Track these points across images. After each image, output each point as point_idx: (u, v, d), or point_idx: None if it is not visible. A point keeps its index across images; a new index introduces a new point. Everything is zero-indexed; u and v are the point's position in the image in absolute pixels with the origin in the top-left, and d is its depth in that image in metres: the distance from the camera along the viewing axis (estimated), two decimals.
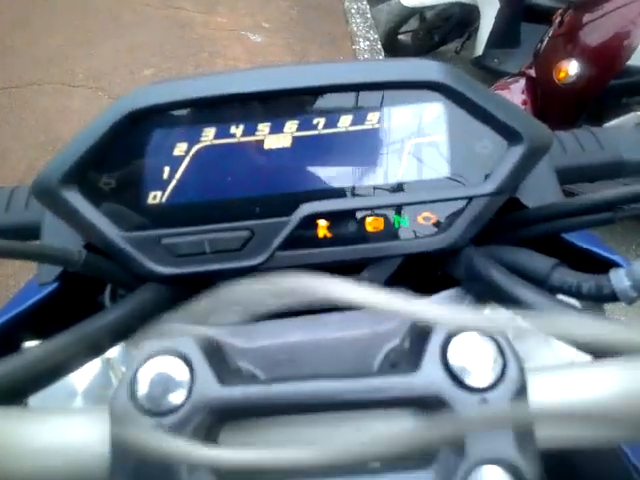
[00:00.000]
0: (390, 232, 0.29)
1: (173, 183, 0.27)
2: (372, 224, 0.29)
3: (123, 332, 0.26)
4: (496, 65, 2.45)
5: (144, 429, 0.18)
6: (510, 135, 0.28)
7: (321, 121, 0.28)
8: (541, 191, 0.32)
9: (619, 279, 0.23)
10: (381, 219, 0.29)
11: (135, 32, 2.67)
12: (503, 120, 0.27)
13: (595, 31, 1.60)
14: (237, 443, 0.18)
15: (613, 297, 0.23)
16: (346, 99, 0.28)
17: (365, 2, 2.90)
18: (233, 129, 0.27)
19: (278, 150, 0.28)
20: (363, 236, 0.29)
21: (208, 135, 0.27)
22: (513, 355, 0.18)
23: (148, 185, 0.28)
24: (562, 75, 1.63)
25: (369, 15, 2.81)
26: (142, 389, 0.19)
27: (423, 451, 0.18)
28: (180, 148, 0.27)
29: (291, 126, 0.27)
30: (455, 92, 0.27)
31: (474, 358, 0.18)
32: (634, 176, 0.35)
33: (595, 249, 0.31)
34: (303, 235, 0.29)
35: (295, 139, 0.28)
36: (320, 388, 0.18)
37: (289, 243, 0.28)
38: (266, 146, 0.28)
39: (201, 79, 0.27)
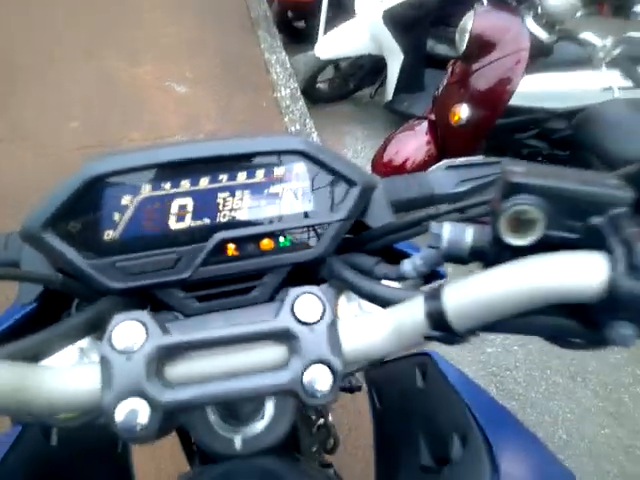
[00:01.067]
0: (279, 249, 0.41)
1: (122, 224, 0.38)
2: (266, 244, 0.40)
3: (88, 329, 0.37)
4: (405, 108, 2.69)
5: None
6: (349, 181, 0.41)
7: (225, 177, 0.39)
8: (380, 216, 0.44)
9: (406, 266, 0.35)
10: (272, 240, 0.41)
11: (61, 84, 2.70)
12: (344, 172, 0.41)
13: (481, 79, 1.85)
14: (180, 371, 0.29)
15: (408, 278, 0.36)
16: (242, 161, 0.40)
17: (284, 54, 3.11)
18: (163, 184, 0.38)
19: (196, 197, 0.39)
20: (260, 253, 0.41)
21: (146, 189, 0.38)
22: (330, 307, 0.30)
23: (104, 226, 0.38)
24: (456, 118, 1.85)
25: (288, 65, 3.00)
26: (117, 341, 0.28)
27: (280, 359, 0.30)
28: (126, 199, 0.38)
29: (204, 181, 0.39)
30: (311, 156, 0.40)
31: (308, 308, 0.30)
32: (443, 203, 0.48)
33: (412, 252, 0.44)
34: (217, 254, 0.40)
35: (208, 189, 0.39)
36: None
37: (207, 261, 0.39)
38: (188, 195, 0.39)
39: (140, 152, 0.38)
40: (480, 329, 0.28)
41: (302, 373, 0.28)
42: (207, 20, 3.41)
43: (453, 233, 0.30)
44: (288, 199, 0.40)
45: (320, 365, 0.28)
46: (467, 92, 1.87)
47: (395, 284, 0.39)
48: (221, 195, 0.39)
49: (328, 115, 3.00)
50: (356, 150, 2.81)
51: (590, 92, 1.90)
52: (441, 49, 2.83)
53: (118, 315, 0.29)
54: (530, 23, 1.81)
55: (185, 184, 0.38)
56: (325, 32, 2.83)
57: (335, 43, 2.56)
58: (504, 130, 2.03)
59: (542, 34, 1.80)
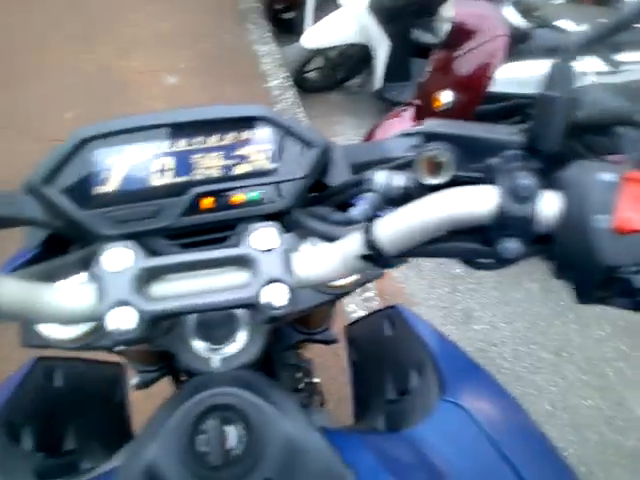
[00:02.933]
0: (249, 202, 0.46)
1: (110, 180, 0.44)
2: (237, 198, 0.45)
3: (83, 265, 0.43)
4: (394, 97, 2.75)
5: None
6: (308, 143, 0.46)
7: (199, 139, 0.45)
8: (339, 176, 0.48)
9: (354, 211, 0.40)
10: (243, 195, 0.46)
11: (58, 75, 2.76)
12: (302, 135, 0.46)
13: (461, 65, 1.91)
14: (161, 288, 0.37)
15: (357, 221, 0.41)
16: (214, 126, 0.45)
17: (274, 45, 3.16)
18: (146, 146, 0.44)
19: (175, 156, 0.44)
20: (232, 206, 0.46)
21: (130, 150, 0.44)
22: (283, 238, 0.37)
23: (95, 182, 0.43)
24: (438, 104, 1.92)
25: (279, 56, 3.06)
26: (107, 263, 0.37)
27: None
28: (113, 159, 0.43)
29: (182, 143, 0.44)
30: (274, 120, 0.45)
31: (265, 238, 0.37)
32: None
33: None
34: (194, 207, 0.45)
35: (185, 150, 0.45)
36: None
37: (186, 212, 0.45)
38: (167, 155, 0.44)
39: (124, 119, 0.44)
40: (407, 254, 0.34)
41: (260, 289, 0.35)
42: (197, 15, 3.46)
43: (387, 179, 0.36)
44: (256, 159, 0.46)
45: (276, 283, 0.35)
46: (449, 78, 1.93)
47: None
48: (197, 155, 0.45)
49: (319, 105, 3.05)
50: (347, 139, 2.87)
51: None
52: (427, 38, 2.87)
53: (108, 244, 0.36)
54: (507, 11, 1.87)
55: (165, 145, 0.44)
56: (313, 23, 2.88)
57: (322, 33, 2.61)
58: (488, 116, 2.09)
59: (519, 21, 1.86)
